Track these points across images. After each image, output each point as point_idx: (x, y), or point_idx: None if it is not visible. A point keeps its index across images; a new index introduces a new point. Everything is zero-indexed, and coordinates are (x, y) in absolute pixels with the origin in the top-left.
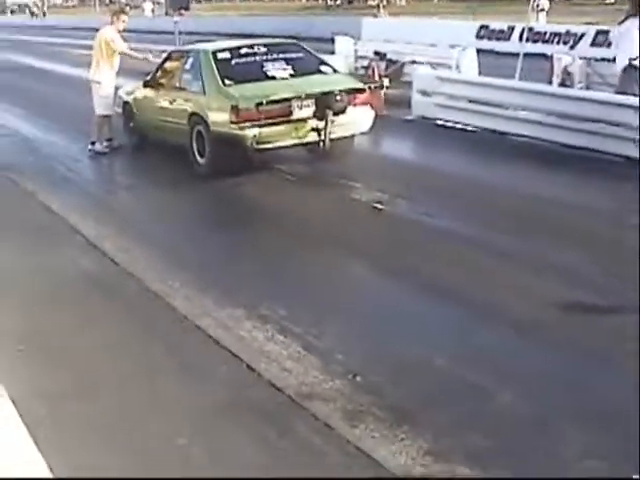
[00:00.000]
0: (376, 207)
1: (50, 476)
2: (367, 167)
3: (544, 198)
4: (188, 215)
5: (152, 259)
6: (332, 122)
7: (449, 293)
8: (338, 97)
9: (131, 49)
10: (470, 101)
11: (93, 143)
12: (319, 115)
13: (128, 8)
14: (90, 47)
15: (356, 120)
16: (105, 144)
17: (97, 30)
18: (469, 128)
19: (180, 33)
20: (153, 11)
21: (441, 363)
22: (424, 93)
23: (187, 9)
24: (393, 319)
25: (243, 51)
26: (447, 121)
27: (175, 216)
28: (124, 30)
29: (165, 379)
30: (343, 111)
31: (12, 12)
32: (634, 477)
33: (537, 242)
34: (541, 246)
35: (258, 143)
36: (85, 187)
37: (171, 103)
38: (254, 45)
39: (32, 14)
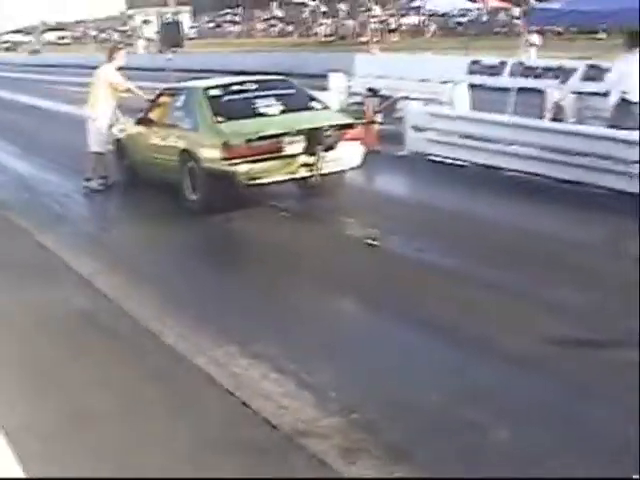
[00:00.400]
0: (370, 243)
1: None
2: (360, 203)
3: (536, 232)
4: (181, 252)
5: (146, 296)
6: (322, 158)
7: (442, 328)
8: (328, 133)
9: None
10: (462, 136)
11: (88, 180)
12: (309, 151)
13: (122, 45)
14: (84, 84)
15: (346, 155)
16: (100, 181)
17: (93, 68)
18: (462, 163)
19: (173, 70)
20: (146, 48)
21: (436, 399)
22: (417, 129)
23: (180, 46)
24: (387, 356)
25: (234, 88)
26: (439, 156)
27: (168, 253)
28: (122, 67)
29: (159, 417)
30: (333, 147)
31: (7, 49)
32: (634, 477)
33: (530, 276)
34: (534, 280)
35: (249, 179)
36: (79, 224)
37: (163, 140)
38: (245, 82)
39: (34, 51)
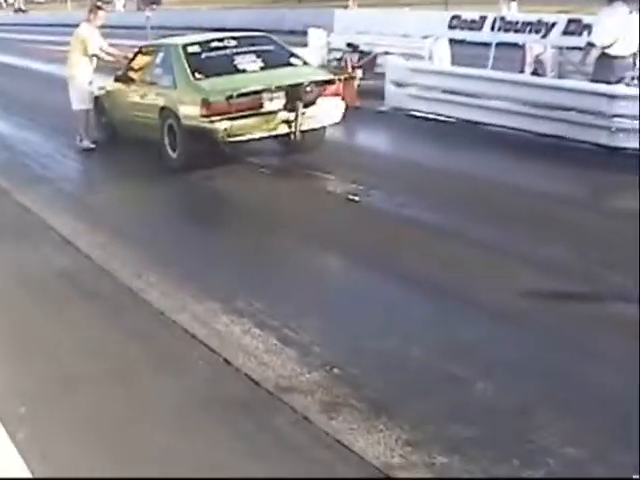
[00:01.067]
0: (351, 199)
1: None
2: (341, 159)
3: (518, 187)
4: (163, 211)
5: (127, 255)
6: (302, 114)
7: (424, 283)
8: (308, 89)
9: (108, 47)
10: (443, 91)
11: (81, 140)
12: (289, 107)
13: (100, 3)
14: (64, 43)
15: (326, 111)
16: (90, 140)
17: (74, 26)
18: (443, 118)
19: (152, 28)
20: (124, 6)
21: (418, 354)
22: (397, 84)
23: (159, 3)
24: (370, 311)
25: (213, 45)
26: (421, 112)
27: (149, 211)
28: (102, 26)
29: (142, 375)
30: (313, 103)
31: None
32: (634, 477)
33: (512, 231)
34: (517, 235)
35: (229, 136)
36: (59, 184)
37: (142, 98)
38: (224, 39)
39: (18, 10)
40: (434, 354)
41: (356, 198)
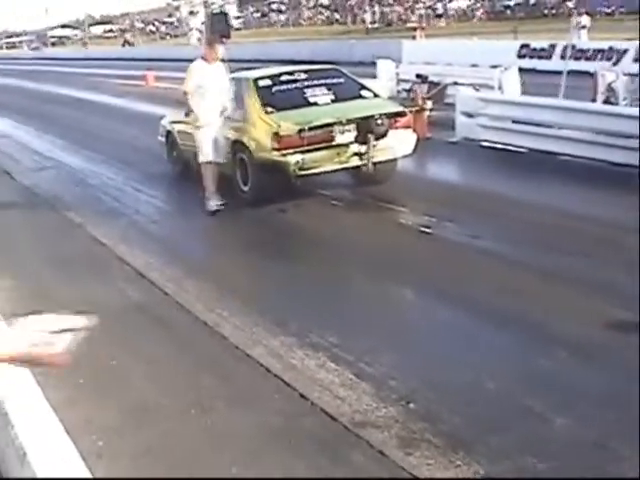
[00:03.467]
0: (424, 231)
1: None
2: (413, 190)
3: (592, 217)
4: (234, 243)
5: (201, 289)
6: (374, 146)
7: (499, 316)
8: (379, 121)
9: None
10: (514, 121)
11: (207, 199)
12: (361, 139)
13: (169, 37)
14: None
15: (398, 143)
16: (217, 201)
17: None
18: (514, 148)
19: (222, 61)
20: (199, 40)
21: (494, 387)
22: (467, 115)
23: (228, 37)
24: (445, 343)
25: (284, 78)
26: (491, 142)
27: (221, 245)
28: (223, 60)
29: (217, 409)
30: (384, 135)
31: (53, 44)
32: (634, 477)
33: (589, 262)
34: (593, 266)
35: (301, 169)
36: (131, 217)
37: None
38: (295, 72)
39: (125, 43)
40: (511, 387)
41: (429, 230)
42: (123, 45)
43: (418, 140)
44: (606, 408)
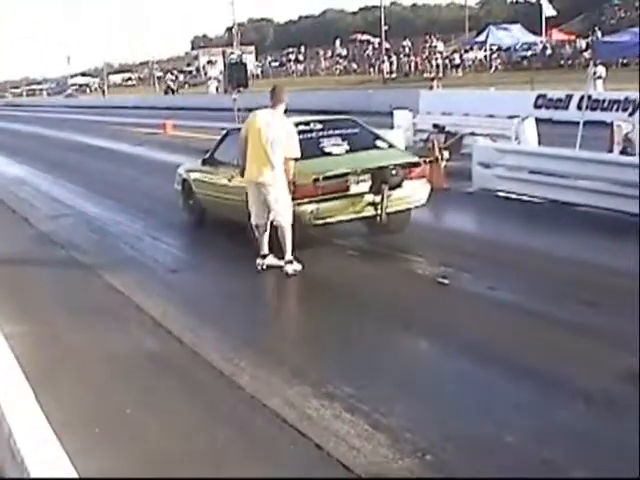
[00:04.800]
0: (441, 282)
1: None
2: (429, 240)
3: (609, 268)
4: (251, 293)
5: (218, 339)
6: (388, 196)
7: (517, 368)
8: (394, 171)
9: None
10: (531, 172)
11: (264, 256)
12: (375, 189)
13: (187, 86)
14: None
15: (412, 193)
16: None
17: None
18: (531, 199)
19: (239, 110)
20: (217, 89)
21: (512, 440)
22: (484, 165)
23: (246, 86)
24: (462, 395)
25: (299, 128)
26: (508, 192)
27: (238, 294)
28: (285, 111)
29: (232, 459)
30: (399, 185)
31: (68, 96)
32: (634, 477)
33: (606, 313)
34: (611, 317)
35: (316, 218)
36: (149, 266)
37: (229, 180)
38: (310, 122)
39: (168, 90)
40: (528, 440)
41: (446, 281)
42: (166, 92)
43: (432, 190)
44: (624, 461)
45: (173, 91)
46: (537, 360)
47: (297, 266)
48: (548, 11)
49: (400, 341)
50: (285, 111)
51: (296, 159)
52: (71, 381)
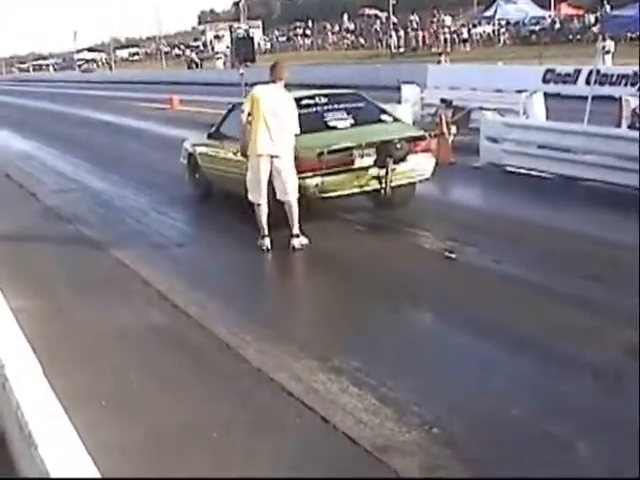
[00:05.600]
0: (448, 256)
1: None
2: (436, 215)
3: (616, 243)
4: (257, 268)
5: (224, 312)
6: (393, 170)
7: (522, 341)
8: (398, 145)
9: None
10: (539, 146)
11: (263, 237)
12: (380, 163)
13: (195, 65)
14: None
15: (417, 167)
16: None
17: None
18: (538, 174)
19: (246, 85)
20: (225, 64)
21: (518, 414)
22: (492, 140)
23: (253, 61)
24: (468, 369)
25: (304, 102)
26: (516, 167)
27: (244, 269)
28: (286, 85)
29: (239, 432)
30: (404, 159)
31: (79, 67)
32: (634, 477)
33: (612, 288)
34: (617, 292)
35: (320, 192)
36: (155, 240)
37: (235, 154)
38: (315, 96)
39: (191, 64)
40: (533, 413)
41: (453, 255)
42: (189, 67)
43: (437, 164)
44: (626, 434)
45: (197, 64)
46: (542, 334)
47: (304, 240)
48: None
49: (407, 315)
50: (285, 86)
51: (296, 135)
52: (78, 355)
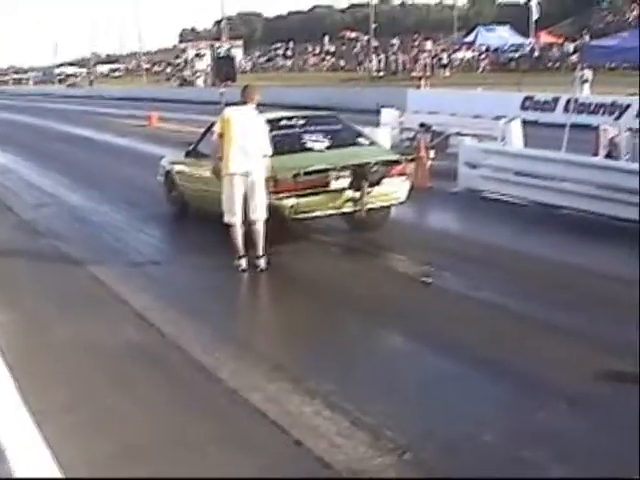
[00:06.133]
0: (424, 281)
1: None
2: (413, 239)
3: (592, 271)
4: (232, 287)
5: (199, 331)
6: (368, 193)
7: (497, 367)
8: (374, 168)
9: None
10: (516, 173)
11: (239, 257)
12: (355, 186)
13: (174, 78)
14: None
15: (392, 191)
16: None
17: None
18: (516, 201)
19: (226, 104)
20: (206, 82)
21: (490, 438)
22: (470, 165)
23: (233, 80)
24: (442, 394)
25: (282, 123)
26: (493, 193)
27: (219, 288)
28: (262, 106)
29: (212, 453)
30: (379, 182)
31: (60, 81)
32: (634, 477)
33: (586, 315)
34: (589, 319)
35: (296, 213)
36: (131, 257)
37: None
38: (293, 117)
39: (184, 83)
40: (506, 439)
41: (429, 280)
42: (181, 85)
43: (413, 188)
44: (601, 459)
45: (190, 83)
46: (517, 360)
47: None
48: (536, 14)
49: (382, 339)
50: (258, 106)
51: (271, 156)
52: (52, 371)
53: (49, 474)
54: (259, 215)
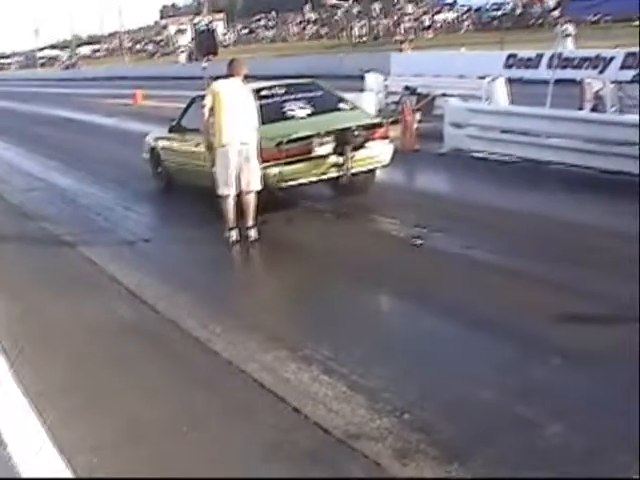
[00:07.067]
0: (415, 243)
1: None
2: (402, 202)
3: (581, 225)
4: (224, 260)
5: (192, 306)
6: (352, 157)
7: (493, 326)
8: (356, 133)
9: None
10: (502, 131)
11: (230, 229)
12: (338, 151)
13: (158, 55)
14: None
15: (375, 154)
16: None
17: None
18: (503, 158)
19: (210, 78)
20: (190, 56)
21: (489, 397)
22: (456, 125)
23: (215, 54)
24: (438, 354)
25: (263, 93)
26: (480, 152)
27: (211, 261)
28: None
29: (210, 424)
30: (362, 146)
31: (42, 65)
32: (634, 477)
33: (581, 270)
34: (586, 274)
35: (280, 181)
36: (122, 236)
37: (196, 146)
38: (273, 86)
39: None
40: (505, 397)
41: (419, 241)
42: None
43: (396, 151)
44: (600, 416)
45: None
46: (514, 319)
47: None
48: None
49: (376, 303)
50: (245, 78)
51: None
52: (47, 352)
53: (49, 457)
54: (254, 186)
